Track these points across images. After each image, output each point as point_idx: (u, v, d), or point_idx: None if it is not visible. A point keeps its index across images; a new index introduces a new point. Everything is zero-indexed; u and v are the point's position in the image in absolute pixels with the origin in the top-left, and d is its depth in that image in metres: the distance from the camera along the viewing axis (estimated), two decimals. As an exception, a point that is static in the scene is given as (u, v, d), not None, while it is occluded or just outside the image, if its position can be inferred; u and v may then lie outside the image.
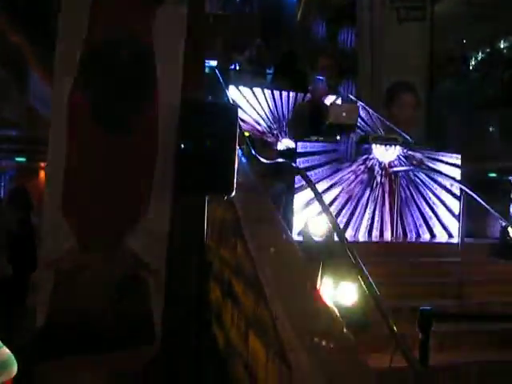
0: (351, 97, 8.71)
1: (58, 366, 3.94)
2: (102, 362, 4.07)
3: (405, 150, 6.51)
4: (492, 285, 5.43)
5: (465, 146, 7.98)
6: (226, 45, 11.16)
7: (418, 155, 6.55)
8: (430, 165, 6.60)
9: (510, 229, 5.60)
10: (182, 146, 3.99)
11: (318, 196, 4.37)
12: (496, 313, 4.07)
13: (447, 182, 6.45)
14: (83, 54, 4.02)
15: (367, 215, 6.30)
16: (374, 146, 6.34)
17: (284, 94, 9.09)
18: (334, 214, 5.58)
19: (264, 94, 9.00)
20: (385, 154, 6.41)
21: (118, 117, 4.10)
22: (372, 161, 6.40)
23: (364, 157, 6.39)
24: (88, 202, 3.86)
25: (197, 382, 4.21)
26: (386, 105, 9.99)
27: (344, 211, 6.30)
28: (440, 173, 6.29)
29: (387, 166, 6.39)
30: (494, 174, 9.63)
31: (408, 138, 7.24)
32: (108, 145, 3.99)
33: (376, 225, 6.30)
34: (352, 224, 6.29)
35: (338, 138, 6.74)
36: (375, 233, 6.24)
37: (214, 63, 10.60)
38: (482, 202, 4.99)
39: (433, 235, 6.48)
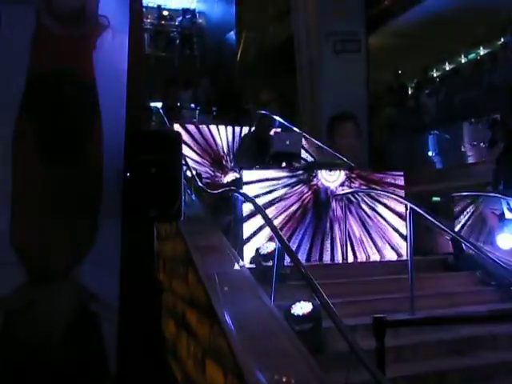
0: (294, 128, 8.86)
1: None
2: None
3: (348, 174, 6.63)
4: (443, 297, 5.56)
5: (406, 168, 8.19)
6: (170, 84, 11.25)
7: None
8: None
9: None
10: (128, 174, 4.00)
11: (267, 220, 4.40)
12: (445, 317, 4.14)
13: (392, 203, 6.58)
14: (26, 85, 4.02)
15: (316, 240, 6.35)
16: (319, 171, 6.44)
17: (229, 128, 9.21)
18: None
19: (210, 131, 9.13)
20: (329, 178, 6.52)
21: (63, 149, 4.09)
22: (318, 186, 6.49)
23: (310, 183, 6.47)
24: (36, 231, 3.82)
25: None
26: (329, 134, 10.25)
27: (293, 237, 6.34)
28: (386, 192, 6.41)
29: (333, 190, 6.50)
30: (437, 198, 9.91)
31: (351, 163, 7.41)
32: (54, 175, 3.97)
33: (325, 249, 6.36)
34: (302, 249, 6.32)
35: (283, 165, 6.84)
36: (325, 257, 6.29)
37: (158, 105, 10.66)
38: (430, 218, 5.11)
39: (382, 256, 6.57)
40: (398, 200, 6.14)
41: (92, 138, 4.23)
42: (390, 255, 6.60)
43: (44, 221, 3.91)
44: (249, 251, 5.93)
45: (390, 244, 6.65)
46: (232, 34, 13.70)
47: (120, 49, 4.50)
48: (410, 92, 12.27)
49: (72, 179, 4.10)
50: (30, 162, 3.99)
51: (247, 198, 4.84)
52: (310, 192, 6.46)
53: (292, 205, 6.35)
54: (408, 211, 5.34)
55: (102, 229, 4.16)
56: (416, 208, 5.16)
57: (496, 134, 6.82)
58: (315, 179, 6.48)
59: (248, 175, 6.22)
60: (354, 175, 6.70)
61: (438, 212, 7.91)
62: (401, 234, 6.68)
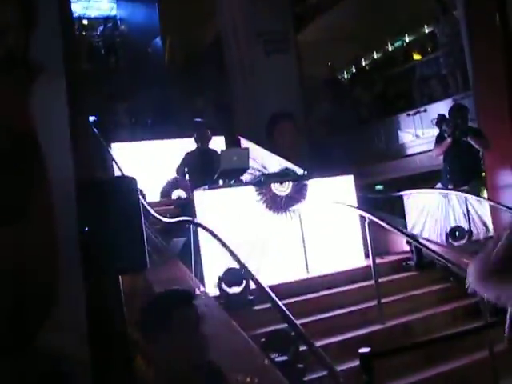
0: (240, 138, 8.77)
1: None
2: None
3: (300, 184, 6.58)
4: (409, 300, 5.63)
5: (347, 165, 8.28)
6: (109, 98, 10.84)
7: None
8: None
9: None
10: (86, 228, 3.79)
11: (231, 253, 4.34)
12: (429, 340, 4.18)
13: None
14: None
15: (275, 254, 6.27)
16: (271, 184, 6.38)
17: (171, 142, 9.01)
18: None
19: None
20: (281, 190, 6.46)
21: (9, 209, 3.82)
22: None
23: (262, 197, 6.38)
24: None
25: None
26: (268, 135, 10.25)
27: (251, 254, 6.22)
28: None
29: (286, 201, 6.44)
30: (380, 187, 10.06)
31: (300, 169, 7.39)
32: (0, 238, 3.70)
33: (284, 263, 6.30)
34: (261, 265, 6.22)
35: (232, 182, 6.74)
36: (285, 272, 6.22)
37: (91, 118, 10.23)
38: (388, 227, 5.17)
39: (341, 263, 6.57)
40: (356, 211, 6.14)
41: (39, 194, 3.96)
42: (348, 261, 6.62)
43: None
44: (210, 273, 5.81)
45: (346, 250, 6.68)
46: (158, 40, 13.37)
47: (58, 92, 4.22)
48: (344, 84, 12.40)
49: (19, 241, 3.82)
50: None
51: (208, 231, 4.73)
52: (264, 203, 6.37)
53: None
54: (367, 222, 5.36)
55: (63, 288, 3.92)
56: (375, 219, 5.19)
57: (443, 130, 6.94)
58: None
59: (199, 196, 6.09)
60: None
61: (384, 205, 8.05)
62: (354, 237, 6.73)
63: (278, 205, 6.33)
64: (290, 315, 3.77)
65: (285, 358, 4.34)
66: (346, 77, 13.15)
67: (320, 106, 11.64)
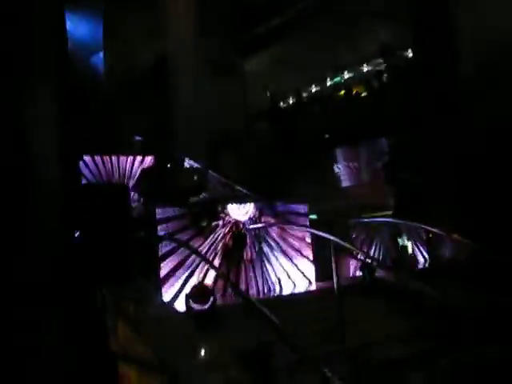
0: (190, 161, 8.80)
1: None
2: None
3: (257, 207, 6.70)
4: (368, 322, 5.80)
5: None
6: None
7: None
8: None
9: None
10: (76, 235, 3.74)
11: (213, 266, 4.38)
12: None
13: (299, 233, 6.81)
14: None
15: (230, 275, 6.32)
16: (229, 205, 6.46)
17: (122, 158, 8.89)
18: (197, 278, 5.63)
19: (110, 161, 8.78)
20: (239, 212, 6.55)
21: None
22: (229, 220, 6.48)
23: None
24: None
25: None
26: (212, 159, 10.37)
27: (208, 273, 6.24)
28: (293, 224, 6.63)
29: (243, 223, 6.53)
30: (314, 216, 10.33)
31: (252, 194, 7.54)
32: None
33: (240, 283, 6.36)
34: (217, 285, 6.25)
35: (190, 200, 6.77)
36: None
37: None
38: (348, 245, 5.35)
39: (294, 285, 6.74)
40: (319, 234, 6.29)
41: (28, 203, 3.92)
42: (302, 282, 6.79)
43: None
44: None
45: (300, 271, 6.85)
46: (100, 55, 13.20)
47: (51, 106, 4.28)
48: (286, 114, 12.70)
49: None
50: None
51: (185, 245, 4.73)
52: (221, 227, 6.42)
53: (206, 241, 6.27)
54: (331, 245, 5.52)
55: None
56: (341, 242, 5.38)
57: (392, 171, 7.29)
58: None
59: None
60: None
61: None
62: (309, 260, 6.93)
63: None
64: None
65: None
66: (286, 106, 13.45)
67: (260, 133, 11.89)
